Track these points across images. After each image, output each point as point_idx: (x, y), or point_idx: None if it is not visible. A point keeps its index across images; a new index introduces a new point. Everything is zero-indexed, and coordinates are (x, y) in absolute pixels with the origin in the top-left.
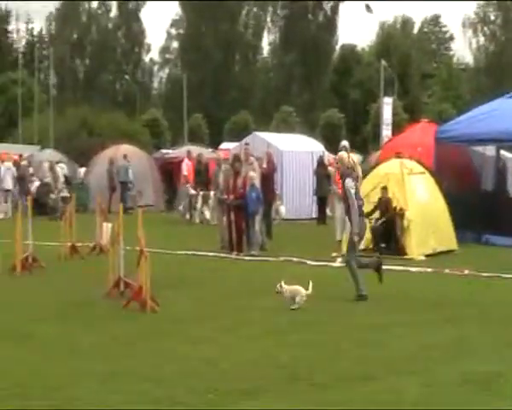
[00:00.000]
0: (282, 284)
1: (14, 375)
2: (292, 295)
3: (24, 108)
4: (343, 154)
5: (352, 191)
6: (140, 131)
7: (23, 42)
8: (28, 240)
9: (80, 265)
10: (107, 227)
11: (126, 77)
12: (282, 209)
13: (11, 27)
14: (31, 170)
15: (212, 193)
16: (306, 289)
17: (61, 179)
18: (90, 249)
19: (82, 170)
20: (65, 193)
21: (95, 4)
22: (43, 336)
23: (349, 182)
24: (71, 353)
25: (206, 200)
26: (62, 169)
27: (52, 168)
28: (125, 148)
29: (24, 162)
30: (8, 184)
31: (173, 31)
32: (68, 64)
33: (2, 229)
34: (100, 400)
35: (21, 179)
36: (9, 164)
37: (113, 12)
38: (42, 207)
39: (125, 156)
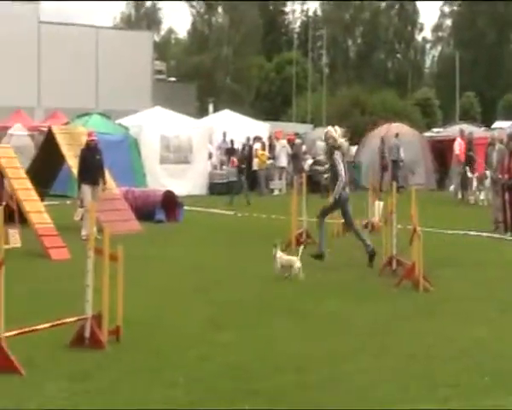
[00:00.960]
0: (278, 251)
1: (292, 350)
2: (286, 264)
3: (298, 87)
4: (331, 130)
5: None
6: (411, 109)
7: (298, 22)
8: (302, 216)
9: (352, 242)
10: (379, 205)
11: (398, 56)
12: None
13: (287, 8)
14: (304, 148)
15: (487, 173)
16: None
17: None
18: (363, 227)
19: (354, 148)
20: None
21: None
22: (321, 312)
23: (337, 154)
24: (345, 328)
25: (481, 180)
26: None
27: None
28: (397, 126)
29: (298, 140)
30: (283, 161)
31: (446, 9)
32: (340, 44)
33: (277, 205)
34: (369, 377)
35: (295, 157)
36: (284, 142)
37: None
38: (315, 184)
39: (396, 135)
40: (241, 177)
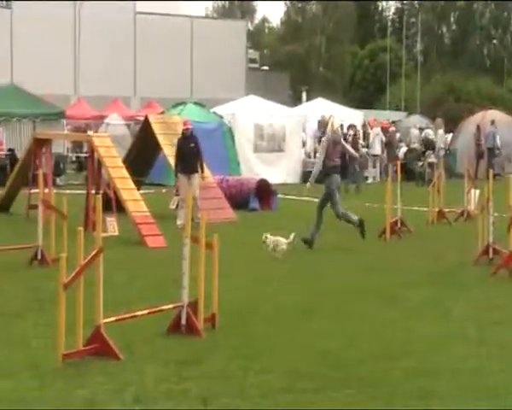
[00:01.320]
0: (268, 235)
1: (383, 336)
2: (274, 244)
3: (391, 74)
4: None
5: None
6: (507, 96)
7: (392, 9)
8: (397, 204)
9: (447, 230)
10: (475, 193)
11: (494, 42)
12: None
13: None
14: (398, 136)
15: None
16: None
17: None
18: (458, 215)
19: (449, 136)
20: (432, 159)
21: None
22: (414, 299)
23: (324, 141)
24: (441, 317)
25: None
26: (429, 135)
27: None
28: (493, 113)
29: (392, 128)
30: (377, 149)
31: None
32: (435, 31)
33: (371, 193)
34: (471, 365)
35: (389, 145)
36: (378, 130)
37: None
38: (409, 172)
39: (492, 122)
40: (354, 164)
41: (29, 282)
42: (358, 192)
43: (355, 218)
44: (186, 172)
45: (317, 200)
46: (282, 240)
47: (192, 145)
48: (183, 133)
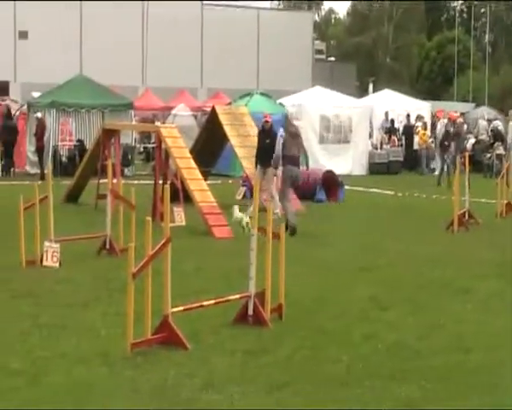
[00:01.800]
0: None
1: (455, 329)
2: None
3: (459, 65)
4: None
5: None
6: None
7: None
8: (465, 196)
9: None
10: None
11: None
12: None
13: None
14: (466, 127)
15: None
16: None
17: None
18: None
19: None
20: (500, 150)
21: None
22: (484, 291)
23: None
24: (509, 309)
25: None
26: (498, 126)
27: None
28: None
29: (459, 119)
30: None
31: None
32: (504, 21)
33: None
34: None
35: (457, 136)
36: (445, 121)
37: None
38: (477, 164)
39: None
40: (446, 157)
41: (98, 271)
42: (450, 187)
43: (293, 221)
44: (262, 166)
45: (381, 192)
46: (242, 215)
47: (268, 141)
48: (262, 126)
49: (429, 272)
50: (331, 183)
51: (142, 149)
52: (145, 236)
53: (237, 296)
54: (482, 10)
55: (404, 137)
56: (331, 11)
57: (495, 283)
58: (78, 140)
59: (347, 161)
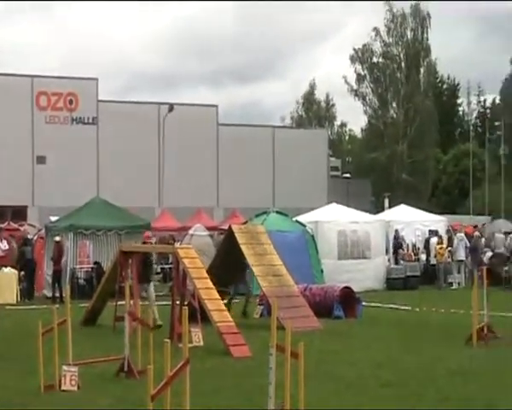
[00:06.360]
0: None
1: None
2: None
3: (475, 179)
4: None
5: None
6: None
7: (474, 114)
8: (483, 310)
9: None
10: None
11: None
12: None
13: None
14: (483, 240)
15: None
16: None
17: None
18: None
19: None
20: None
21: None
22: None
23: None
24: None
25: None
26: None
27: None
28: None
29: (476, 233)
30: (461, 254)
31: None
32: None
33: (456, 299)
34: None
35: (474, 250)
36: (462, 235)
37: None
38: (495, 277)
39: None
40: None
41: (117, 394)
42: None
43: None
44: None
45: (399, 307)
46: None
47: None
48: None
49: (450, 387)
50: (349, 299)
51: (159, 270)
52: (164, 357)
53: None
54: (496, 123)
55: (425, 252)
56: (343, 125)
57: None
58: (96, 262)
59: (365, 277)
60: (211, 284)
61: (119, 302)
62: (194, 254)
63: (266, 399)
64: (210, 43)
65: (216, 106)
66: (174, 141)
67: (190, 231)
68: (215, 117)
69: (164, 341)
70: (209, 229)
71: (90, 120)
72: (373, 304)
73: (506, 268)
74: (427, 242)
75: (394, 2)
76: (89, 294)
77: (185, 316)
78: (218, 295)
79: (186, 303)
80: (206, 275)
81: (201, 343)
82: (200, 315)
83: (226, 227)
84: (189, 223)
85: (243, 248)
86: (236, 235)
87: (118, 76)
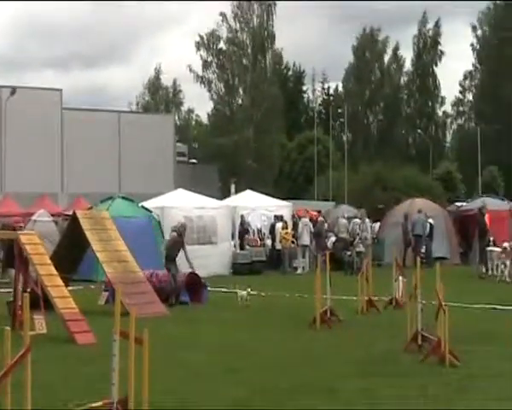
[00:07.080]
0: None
1: None
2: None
3: (320, 165)
4: None
5: None
6: (433, 184)
7: (318, 100)
8: (326, 294)
9: (377, 319)
10: (402, 281)
11: (419, 131)
12: None
13: (305, 87)
14: (326, 226)
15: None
16: None
17: (366, 234)
18: (387, 303)
19: (376, 225)
20: (360, 248)
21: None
22: (348, 390)
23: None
24: (371, 407)
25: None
26: (357, 224)
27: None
28: (420, 202)
29: (320, 218)
30: (306, 239)
31: (467, 83)
32: (361, 120)
33: (301, 284)
34: None
35: (318, 235)
36: (306, 220)
37: (407, 67)
38: (338, 261)
39: (419, 211)
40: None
41: None
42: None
43: None
44: None
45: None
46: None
47: None
48: None
49: (293, 372)
50: (195, 284)
51: (1, 257)
52: (4, 346)
53: (99, 403)
54: (339, 111)
55: (271, 237)
56: (190, 111)
57: (356, 381)
58: None
59: (212, 262)
60: (54, 271)
61: None
62: (37, 241)
63: (109, 386)
64: (56, 28)
65: (60, 90)
66: (17, 125)
67: (34, 217)
68: (59, 101)
69: (4, 328)
70: (53, 215)
71: None
72: (218, 289)
73: (349, 253)
74: (272, 227)
75: None
76: None
77: (26, 303)
78: (61, 282)
79: (28, 290)
80: (49, 261)
81: (45, 331)
82: (43, 302)
83: (71, 213)
84: (32, 209)
85: (88, 234)
86: (81, 220)
87: None
